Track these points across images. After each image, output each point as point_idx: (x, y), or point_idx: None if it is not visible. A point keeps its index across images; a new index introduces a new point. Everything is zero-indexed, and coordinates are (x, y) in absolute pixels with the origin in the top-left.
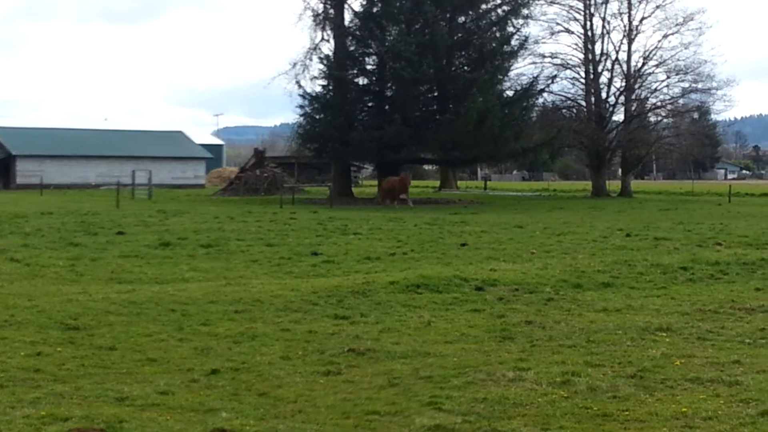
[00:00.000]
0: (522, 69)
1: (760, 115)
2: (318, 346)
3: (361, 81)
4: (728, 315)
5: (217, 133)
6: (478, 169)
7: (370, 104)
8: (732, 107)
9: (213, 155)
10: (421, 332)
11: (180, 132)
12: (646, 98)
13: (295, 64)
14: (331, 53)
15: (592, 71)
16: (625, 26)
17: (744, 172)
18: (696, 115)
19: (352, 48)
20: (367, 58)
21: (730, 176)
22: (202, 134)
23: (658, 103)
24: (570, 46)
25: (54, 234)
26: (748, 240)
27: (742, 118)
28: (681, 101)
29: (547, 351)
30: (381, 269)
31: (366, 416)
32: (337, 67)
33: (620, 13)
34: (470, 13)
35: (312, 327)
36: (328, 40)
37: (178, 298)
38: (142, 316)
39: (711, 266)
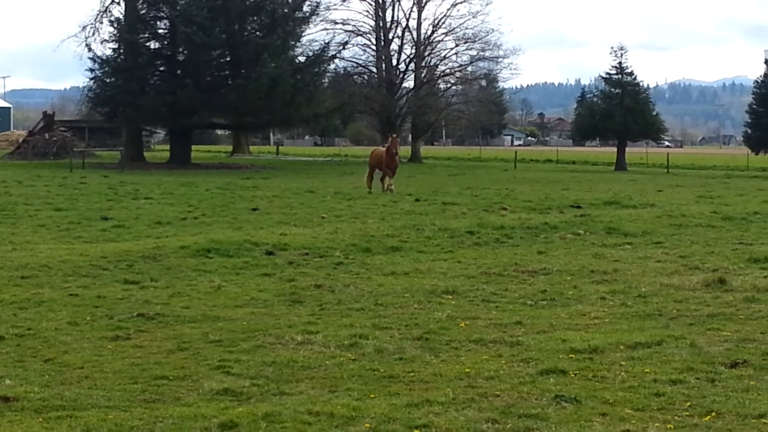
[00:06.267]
0: (314, 35)
1: (545, 83)
2: (107, 311)
3: (153, 45)
4: (512, 277)
5: (4, 96)
6: (271, 135)
7: (161, 68)
8: (518, 75)
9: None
10: (212, 296)
11: None
12: (436, 66)
13: (85, 27)
14: (121, 16)
15: (383, 38)
16: None
17: (529, 138)
18: (484, 83)
19: (143, 11)
20: (158, 22)
21: (516, 143)
22: None
23: (448, 71)
24: (361, 13)
25: None
26: (532, 205)
27: (527, 86)
28: (469, 69)
29: (336, 314)
30: (172, 234)
31: (154, 381)
32: (127, 31)
33: None
34: None
35: (101, 292)
36: (118, 3)
37: None
38: None
39: (496, 230)
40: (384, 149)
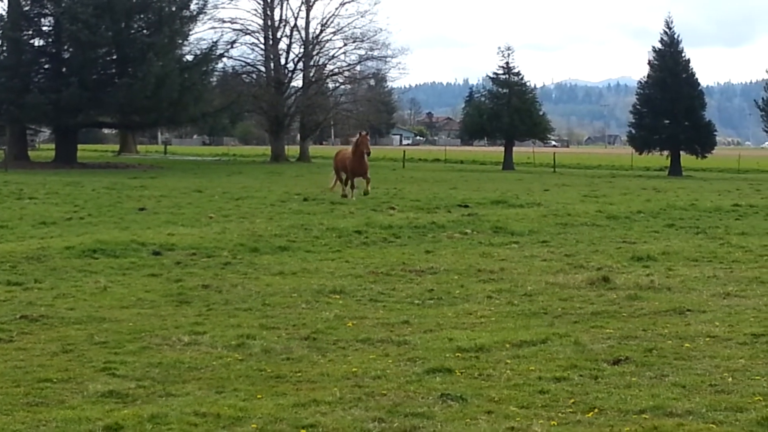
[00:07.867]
0: (202, 34)
1: (434, 82)
2: None
3: (37, 42)
4: (399, 277)
5: None
6: (159, 134)
7: (46, 66)
8: (406, 75)
9: None
10: (97, 297)
11: None
12: (324, 65)
13: None
14: (4, 13)
15: (271, 37)
16: None
17: (418, 138)
18: (372, 82)
19: (26, 8)
20: (43, 19)
21: (405, 142)
22: None
23: (336, 70)
24: (249, 12)
25: None
26: (419, 204)
27: (416, 85)
28: (358, 68)
29: (224, 314)
30: (57, 234)
31: (38, 384)
32: (10, 28)
33: None
34: None
35: None
36: (1, 0)
37: None
38: None
39: (384, 230)
40: (350, 150)
